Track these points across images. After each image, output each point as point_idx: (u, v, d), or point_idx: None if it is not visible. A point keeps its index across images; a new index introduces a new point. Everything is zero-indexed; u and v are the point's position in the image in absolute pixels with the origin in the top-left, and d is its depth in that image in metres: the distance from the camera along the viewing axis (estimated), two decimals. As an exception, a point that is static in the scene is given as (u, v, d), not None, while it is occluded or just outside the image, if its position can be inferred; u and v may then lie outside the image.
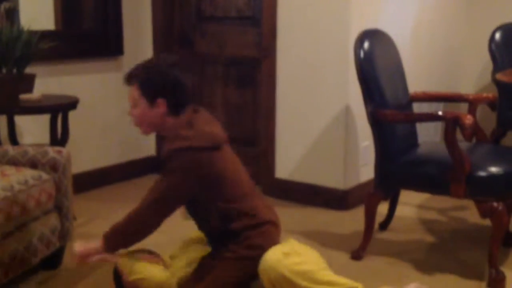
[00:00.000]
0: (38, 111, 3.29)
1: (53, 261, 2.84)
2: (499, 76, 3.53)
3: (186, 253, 2.51)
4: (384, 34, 3.17)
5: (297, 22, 3.68)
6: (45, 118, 3.37)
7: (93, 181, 4.06)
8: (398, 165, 2.88)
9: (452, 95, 3.48)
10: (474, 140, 3.30)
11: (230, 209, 2.31)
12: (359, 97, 2.98)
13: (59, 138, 3.34)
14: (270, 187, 3.88)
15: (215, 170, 2.27)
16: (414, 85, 3.47)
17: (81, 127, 3.86)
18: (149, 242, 3.02)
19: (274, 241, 2.34)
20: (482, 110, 3.70)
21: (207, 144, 2.25)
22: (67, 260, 2.91)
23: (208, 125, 2.33)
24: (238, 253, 2.30)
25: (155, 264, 2.42)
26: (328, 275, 2.23)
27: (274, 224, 2.39)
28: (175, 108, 2.30)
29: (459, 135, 2.68)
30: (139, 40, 4.30)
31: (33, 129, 3.66)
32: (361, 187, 3.73)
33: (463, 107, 3.44)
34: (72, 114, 3.43)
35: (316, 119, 3.70)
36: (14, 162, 2.74)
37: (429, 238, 3.29)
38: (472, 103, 3.23)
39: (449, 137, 2.67)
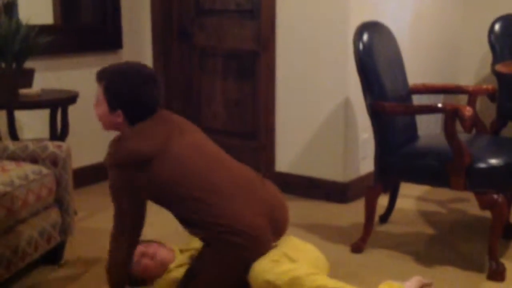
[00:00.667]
0: (37, 106, 3.29)
1: (54, 255, 2.85)
2: (499, 67, 3.53)
3: (193, 245, 2.51)
4: (383, 26, 3.16)
5: (296, 14, 3.68)
6: (45, 113, 3.37)
7: (94, 175, 4.06)
8: (398, 158, 2.88)
9: (452, 86, 3.47)
10: (474, 131, 3.30)
11: (191, 218, 2.28)
12: (359, 89, 2.98)
13: (59, 132, 3.34)
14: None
15: (148, 180, 2.23)
16: (414, 77, 3.47)
17: (80, 122, 3.86)
18: (155, 235, 3.04)
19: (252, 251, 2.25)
20: (481, 102, 3.71)
21: (128, 161, 2.24)
22: (68, 254, 2.92)
23: (141, 138, 2.27)
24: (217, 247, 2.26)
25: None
26: (318, 279, 2.18)
27: (253, 236, 2.24)
28: (132, 120, 2.31)
29: (459, 127, 2.68)
30: (138, 33, 4.29)
31: (32, 124, 3.66)
32: (361, 179, 3.74)
33: (463, 98, 3.44)
34: (71, 109, 3.43)
35: (316, 112, 3.70)
36: (14, 157, 2.74)
37: (429, 230, 3.29)
38: (472, 95, 3.22)
39: (448, 129, 2.67)
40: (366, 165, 3.74)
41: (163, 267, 2.48)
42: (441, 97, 4.35)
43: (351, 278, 2.57)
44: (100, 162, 4.07)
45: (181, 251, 2.56)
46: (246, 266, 2.25)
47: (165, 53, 4.30)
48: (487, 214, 2.77)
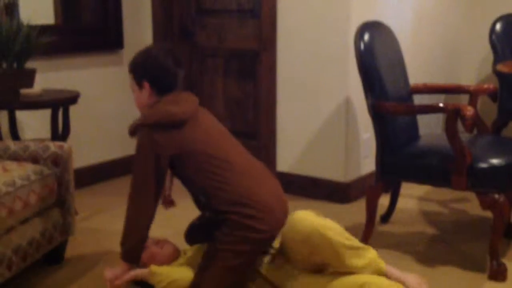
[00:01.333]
0: (39, 106, 3.29)
1: (55, 255, 2.85)
2: (500, 67, 3.53)
3: (197, 247, 2.55)
4: (384, 26, 3.16)
5: (297, 14, 3.68)
6: (46, 113, 3.37)
7: (95, 175, 4.07)
8: (399, 157, 2.88)
9: (453, 86, 3.47)
10: (475, 131, 3.30)
11: (207, 191, 2.34)
12: (360, 89, 2.98)
13: (60, 132, 3.34)
14: (271, 180, 3.88)
15: (175, 146, 2.32)
16: (415, 77, 3.47)
17: (82, 122, 3.86)
18: (154, 235, 3.03)
19: (271, 222, 2.32)
20: (483, 101, 3.71)
21: (160, 121, 2.32)
22: (69, 254, 2.93)
23: (172, 104, 2.37)
24: (232, 236, 2.29)
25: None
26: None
27: (267, 211, 2.32)
28: (158, 90, 2.42)
29: (460, 127, 2.68)
30: (139, 33, 4.29)
31: (34, 124, 3.66)
32: (362, 179, 3.74)
33: (464, 98, 3.44)
34: (73, 109, 3.43)
35: (317, 112, 3.70)
36: (16, 157, 2.74)
37: (431, 230, 3.29)
38: (473, 95, 3.22)
39: (450, 129, 2.67)
40: (367, 165, 3.74)
41: (168, 260, 2.53)
42: (442, 97, 4.35)
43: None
44: (101, 162, 4.12)
45: (184, 252, 2.59)
46: (262, 243, 2.33)
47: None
48: (488, 214, 2.77)
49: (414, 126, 3.17)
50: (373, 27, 3.00)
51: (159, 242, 2.59)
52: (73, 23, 4.00)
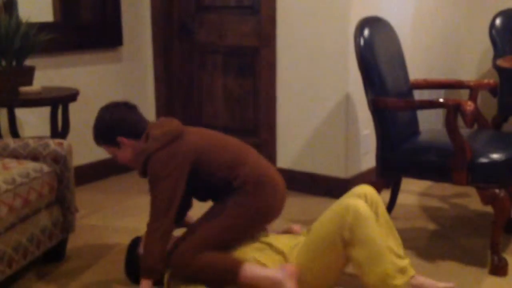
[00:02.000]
0: (38, 104, 3.29)
1: (56, 253, 2.85)
2: (500, 62, 3.52)
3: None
4: (384, 21, 3.15)
5: (297, 10, 3.67)
6: (46, 111, 3.37)
7: (95, 173, 4.06)
8: (400, 153, 2.87)
9: (453, 82, 3.47)
10: (475, 126, 3.29)
11: (236, 174, 2.44)
12: (360, 85, 2.98)
13: (59, 130, 3.34)
14: (271, 177, 3.87)
15: (189, 152, 2.43)
16: (415, 73, 3.46)
17: (81, 119, 3.86)
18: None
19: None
20: (483, 97, 3.71)
21: (165, 141, 2.42)
22: (70, 251, 2.93)
23: (159, 128, 2.48)
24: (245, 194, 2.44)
25: None
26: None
27: (278, 185, 2.51)
28: (135, 136, 2.51)
29: (460, 122, 2.68)
30: (138, 30, 4.29)
31: (33, 122, 3.66)
32: (363, 175, 3.73)
33: (464, 93, 3.43)
34: (72, 106, 3.43)
35: (317, 108, 3.69)
36: (15, 155, 2.74)
37: (431, 226, 3.29)
38: (473, 90, 3.22)
39: (450, 124, 2.67)
40: (368, 160, 3.73)
41: None
42: (442, 92, 4.35)
43: (353, 274, 2.58)
44: (101, 160, 4.11)
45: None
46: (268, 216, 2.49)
47: (166, 50, 4.30)
48: (489, 209, 2.77)
49: (414, 122, 3.17)
50: (373, 23, 3.00)
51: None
52: (72, 20, 3.99)
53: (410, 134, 3.04)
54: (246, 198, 2.43)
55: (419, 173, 2.88)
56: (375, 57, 2.90)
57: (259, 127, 4.01)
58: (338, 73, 3.59)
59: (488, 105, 4.12)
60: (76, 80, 3.79)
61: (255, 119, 4.05)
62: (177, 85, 4.35)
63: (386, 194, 3.29)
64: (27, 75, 3.30)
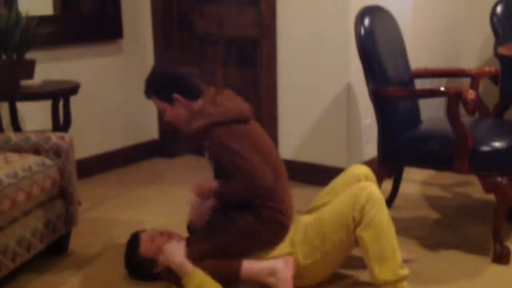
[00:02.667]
0: (39, 97, 3.29)
1: (59, 246, 2.86)
2: (501, 50, 3.51)
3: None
4: (384, 10, 3.14)
5: (297, 0, 3.65)
6: (47, 104, 3.37)
7: (97, 166, 4.07)
8: (401, 142, 2.87)
9: (454, 70, 3.46)
10: (477, 115, 3.29)
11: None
12: (361, 74, 2.97)
13: (61, 123, 3.34)
14: (273, 167, 3.87)
15: (248, 139, 2.39)
16: (416, 61, 3.45)
17: (83, 112, 3.86)
18: (151, 224, 3.04)
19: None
20: (484, 85, 3.69)
21: (234, 118, 2.40)
22: (73, 245, 2.93)
23: (231, 101, 2.49)
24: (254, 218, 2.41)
25: None
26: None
27: (288, 221, 2.49)
28: (190, 97, 2.47)
29: (462, 110, 2.67)
30: (138, 22, 4.28)
31: (35, 115, 3.66)
32: (365, 165, 3.72)
33: (466, 82, 3.42)
34: (73, 99, 3.42)
35: (318, 98, 3.69)
36: (17, 149, 2.74)
37: (434, 215, 3.29)
38: (475, 78, 3.21)
39: (451, 113, 2.66)
40: (370, 150, 3.73)
41: None
42: (443, 80, 4.34)
43: (356, 263, 2.58)
44: (103, 152, 4.12)
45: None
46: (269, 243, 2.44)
47: (166, 41, 4.29)
48: (491, 197, 2.76)
49: (416, 111, 3.16)
50: (373, 12, 2.99)
51: (164, 234, 2.59)
52: (72, 13, 3.98)
53: (411, 123, 3.03)
54: (256, 223, 2.41)
55: (421, 162, 2.88)
56: (375, 46, 2.89)
57: (260, 118, 3.99)
58: (339, 63, 3.58)
59: (490, 93, 4.11)
60: (77, 73, 3.79)
61: (256, 110, 4.02)
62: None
63: (388, 184, 3.29)
64: (28, 69, 3.29)
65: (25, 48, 3.24)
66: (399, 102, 2.97)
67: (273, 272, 2.36)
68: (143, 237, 2.56)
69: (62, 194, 2.78)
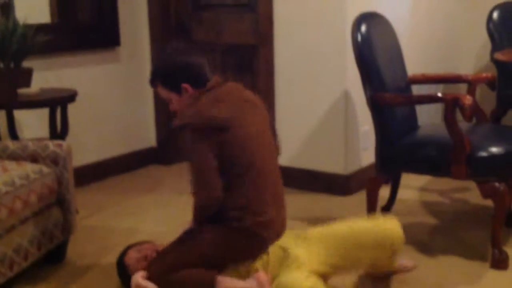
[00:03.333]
0: (36, 105, 3.28)
1: (57, 254, 2.85)
2: (498, 56, 3.52)
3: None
4: (381, 17, 3.15)
5: (294, 7, 3.67)
6: (44, 112, 3.37)
7: (94, 173, 4.06)
8: (399, 148, 2.87)
9: (451, 76, 3.46)
10: (474, 120, 3.29)
11: (234, 199, 2.32)
12: (358, 81, 2.98)
13: (58, 131, 3.34)
14: (271, 174, 3.87)
15: (217, 148, 2.28)
16: (413, 68, 3.46)
17: (80, 120, 3.85)
18: (149, 232, 3.03)
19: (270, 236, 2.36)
20: (481, 90, 3.70)
21: (205, 124, 2.28)
22: (71, 253, 2.93)
23: (216, 102, 2.34)
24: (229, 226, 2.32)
25: None
26: None
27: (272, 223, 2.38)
28: (198, 86, 2.38)
29: (459, 116, 2.67)
30: (136, 30, 4.28)
31: (32, 123, 3.66)
32: (363, 171, 3.73)
33: (463, 87, 3.43)
34: (71, 107, 3.42)
35: (315, 105, 3.69)
36: (15, 157, 2.74)
37: (432, 220, 3.29)
38: (471, 84, 3.21)
39: (449, 118, 2.66)
40: (367, 156, 3.73)
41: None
42: (440, 86, 4.35)
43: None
44: (100, 160, 4.12)
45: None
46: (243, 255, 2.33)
47: (163, 49, 4.29)
48: (489, 203, 2.76)
49: (413, 117, 3.16)
50: (370, 19, 3.00)
51: (141, 250, 2.53)
52: (69, 21, 3.98)
53: (409, 129, 3.04)
54: (230, 234, 2.32)
55: (419, 168, 2.87)
56: (372, 53, 2.89)
57: (258, 125, 4.01)
58: (336, 70, 3.59)
59: (487, 99, 4.12)
60: (74, 81, 3.79)
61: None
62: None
63: (386, 190, 3.29)
64: (25, 77, 3.29)
65: (22, 56, 3.25)
66: (397, 109, 2.97)
67: None
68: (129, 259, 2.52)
69: (60, 202, 2.77)
